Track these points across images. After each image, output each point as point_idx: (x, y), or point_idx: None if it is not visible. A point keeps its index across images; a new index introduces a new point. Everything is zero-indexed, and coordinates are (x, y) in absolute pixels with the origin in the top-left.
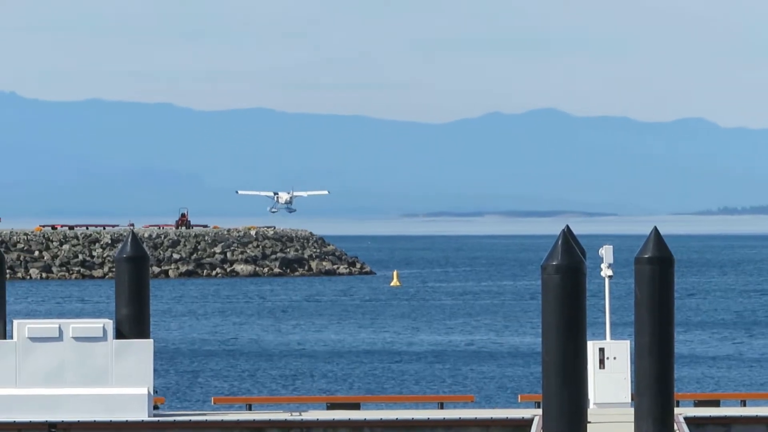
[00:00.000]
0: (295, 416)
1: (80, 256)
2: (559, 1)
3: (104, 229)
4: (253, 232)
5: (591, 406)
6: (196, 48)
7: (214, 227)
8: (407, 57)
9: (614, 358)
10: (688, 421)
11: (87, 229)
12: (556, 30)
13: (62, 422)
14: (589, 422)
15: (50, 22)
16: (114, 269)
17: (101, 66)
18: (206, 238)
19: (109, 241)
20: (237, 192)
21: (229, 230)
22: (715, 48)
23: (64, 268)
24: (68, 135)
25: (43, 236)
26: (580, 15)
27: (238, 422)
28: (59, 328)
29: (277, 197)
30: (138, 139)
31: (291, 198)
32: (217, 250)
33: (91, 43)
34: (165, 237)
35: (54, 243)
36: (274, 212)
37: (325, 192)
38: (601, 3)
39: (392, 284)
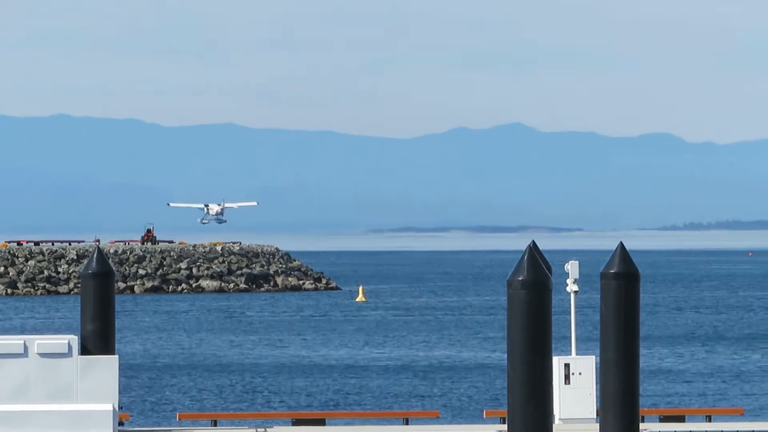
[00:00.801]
0: None
1: (46, 272)
2: (526, 16)
3: (70, 245)
4: (219, 248)
5: (556, 421)
6: (166, 64)
7: (180, 243)
8: (373, 72)
9: (579, 374)
10: None
11: (53, 245)
12: (522, 45)
13: None
14: None
15: (17, 39)
16: (79, 285)
17: (68, 82)
18: (172, 253)
19: (75, 257)
20: (168, 204)
21: (194, 246)
22: (682, 62)
23: (30, 284)
24: (34, 151)
25: (9, 252)
26: (546, 30)
27: None
28: (24, 344)
29: (208, 209)
30: (105, 155)
31: (222, 209)
32: (183, 265)
33: (58, 59)
34: (131, 253)
35: (19, 259)
36: (205, 223)
37: (255, 203)
38: (568, 18)
39: (358, 299)
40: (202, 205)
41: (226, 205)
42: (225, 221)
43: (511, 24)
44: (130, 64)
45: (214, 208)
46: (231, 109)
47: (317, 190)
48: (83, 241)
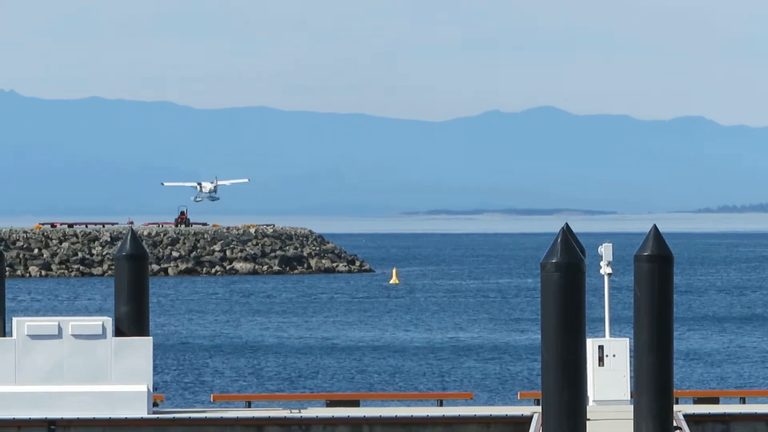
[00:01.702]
0: (295, 413)
1: (79, 254)
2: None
3: (104, 227)
4: (252, 230)
5: (590, 403)
6: (197, 47)
7: (214, 225)
8: (407, 56)
9: (614, 356)
10: (688, 418)
11: (86, 227)
12: (554, 29)
13: (62, 419)
14: (589, 420)
15: (50, 21)
16: (113, 267)
17: (102, 64)
18: (205, 236)
19: (109, 239)
20: (162, 184)
21: (228, 228)
22: (715, 46)
23: (64, 266)
24: (68, 133)
25: (43, 234)
26: (578, 13)
27: (237, 419)
28: (59, 325)
29: (201, 187)
30: (138, 138)
31: (215, 187)
32: (217, 248)
33: (91, 42)
34: (164, 235)
35: (53, 241)
36: (198, 201)
37: (246, 180)
38: (599, 2)
39: (391, 282)
40: (195, 184)
41: (219, 182)
42: (218, 198)
43: (543, 6)
44: (163, 47)
45: (207, 186)
46: (263, 93)
47: (350, 173)
48: (117, 224)
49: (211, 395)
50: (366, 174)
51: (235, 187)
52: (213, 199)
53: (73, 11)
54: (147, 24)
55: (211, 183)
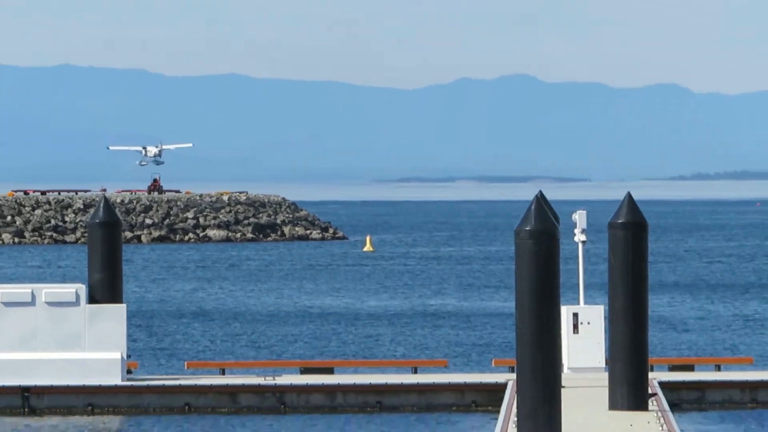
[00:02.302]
0: (269, 381)
1: (53, 221)
2: None
3: (76, 194)
4: (225, 198)
5: (565, 371)
6: (169, 15)
7: (187, 192)
8: (378, 23)
9: (588, 323)
10: (663, 385)
11: (59, 194)
12: None
13: (36, 386)
14: (564, 387)
15: None
16: (86, 234)
17: (72, 32)
18: (179, 203)
19: (82, 207)
20: (108, 147)
21: (201, 195)
22: (687, 12)
23: (37, 233)
24: (39, 100)
25: (16, 201)
26: None
27: (211, 386)
28: (32, 293)
29: (146, 151)
30: (110, 105)
31: (159, 151)
32: (190, 215)
33: (63, 9)
34: (137, 202)
35: (26, 208)
36: (143, 165)
37: (190, 144)
38: None
39: (365, 249)
40: (140, 148)
41: (164, 147)
42: (163, 162)
43: None
44: (135, 15)
45: (152, 150)
46: (234, 60)
47: (321, 141)
48: (89, 191)
49: (185, 363)
50: (338, 142)
51: (210, 155)
52: (158, 163)
53: None
54: None
55: (156, 147)
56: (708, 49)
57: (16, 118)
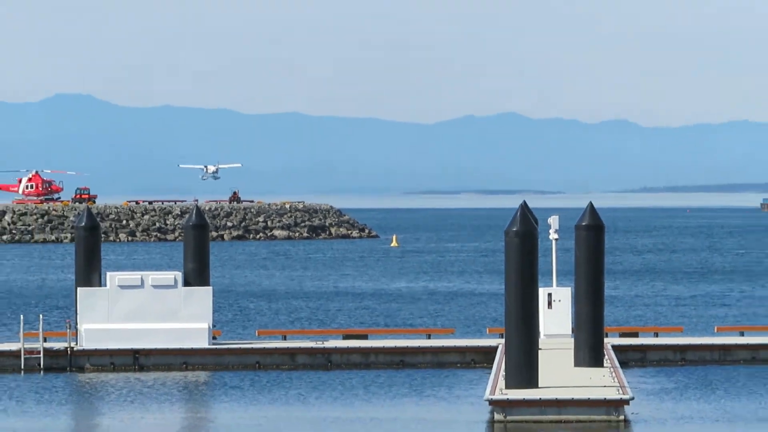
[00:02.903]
0: (319, 344)
1: (157, 224)
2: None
3: (175, 203)
4: (287, 206)
5: (542, 336)
6: (247, 64)
7: (258, 202)
8: (401, 71)
9: (559, 301)
10: (614, 348)
11: (162, 203)
12: (507, 42)
13: (143, 349)
14: (540, 349)
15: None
16: (183, 234)
17: (170, 76)
18: (252, 210)
19: (179, 213)
20: (179, 166)
21: (269, 204)
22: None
23: (145, 233)
24: (146, 133)
25: (129, 209)
26: (528, 30)
27: (275, 349)
28: (141, 278)
29: (206, 169)
30: (200, 138)
31: (216, 169)
32: (260, 219)
33: (162, 58)
34: (221, 209)
35: (137, 214)
36: (204, 180)
37: (239, 165)
38: (547, 16)
39: (392, 245)
40: (202, 166)
41: (220, 166)
42: (219, 178)
43: (492, 18)
44: (217, 64)
45: (211, 168)
46: (295, 100)
47: (361, 162)
48: (185, 201)
49: (256, 331)
50: (373, 164)
51: (277, 173)
52: (215, 178)
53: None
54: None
55: (213, 166)
56: (654, 88)
57: (132, 146)
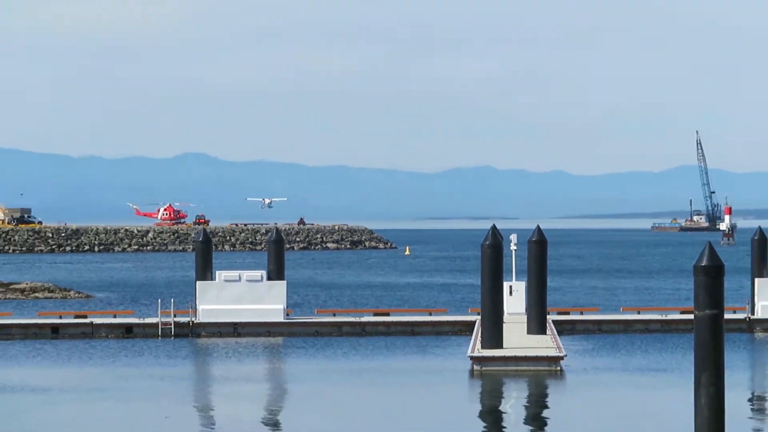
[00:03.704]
0: (356, 319)
1: (249, 239)
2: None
3: (262, 225)
4: (336, 227)
5: (505, 314)
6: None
7: (317, 225)
8: (401, 126)
9: (517, 291)
10: (554, 322)
11: (253, 225)
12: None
13: (240, 322)
14: (504, 323)
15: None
16: (267, 246)
17: (269, 131)
18: (313, 229)
19: (264, 232)
20: (246, 199)
21: (324, 226)
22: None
23: (242, 245)
24: (247, 182)
25: (231, 229)
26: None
27: (328, 322)
28: (239, 275)
29: (264, 201)
30: (270, 184)
31: (270, 202)
32: (318, 236)
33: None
34: (292, 230)
35: (236, 232)
36: (262, 209)
37: (285, 199)
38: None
39: (406, 253)
40: (261, 199)
41: (273, 199)
42: (272, 207)
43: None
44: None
45: (267, 201)
46: (341, 153)
47: (382, 203)
48: (268, 224)
49: (315, 310)
50: (390, 202)
51: (322, 201)
52: (270, 207)
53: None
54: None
55: (269, 199)
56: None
57: (227, 187)
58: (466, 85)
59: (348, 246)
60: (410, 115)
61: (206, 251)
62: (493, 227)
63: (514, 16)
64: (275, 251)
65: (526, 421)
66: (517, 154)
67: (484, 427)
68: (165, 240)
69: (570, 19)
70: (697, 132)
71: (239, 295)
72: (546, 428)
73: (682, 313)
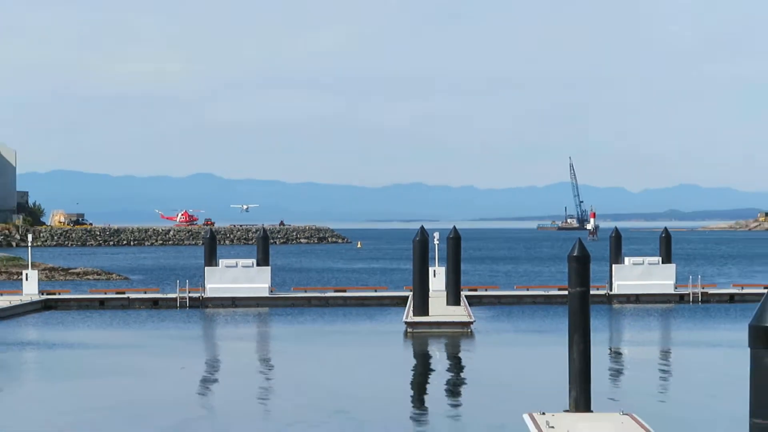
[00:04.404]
0: (322, 294)
1: (244, 236)
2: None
3: (253, 226)
4: (307, 227)
5: (431, 291)
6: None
7: (293, 225)
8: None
9: (439, 274)
10: (466, 296)
11: (245, 226)
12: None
13: (237, 297)
14: (430, 297)
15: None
16: (257, 241)
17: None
18: (290, 229)
19: (255, 230)
20: (230, 206)
21: (299, 226)
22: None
23: (239, 241)
24: (225, 191)
25: (230, 229)
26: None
27: (301, 297)
28: (236, 263)
29: (243, 206)
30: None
31: (248, 207)
32: (294, 233)
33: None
34: (275, 229)
35: (234, 231)
36: (241, 213)
37: (257, 205)
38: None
39: (358, 246)
40: (240, 205)
41: (250, 205)
42: (249, 212)
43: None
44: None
45: (245, 206)
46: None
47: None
48: (257, 225)
49: (292, 287)
50: (354, 209)
51: (297, 208)
52: (247, 211)
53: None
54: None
55: (246, 205)
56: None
57: (224, 198)
58: (403, 122)
59: (316, 241)
60: (362, 146)
61: (212, 245)
62: (422, 227)
63: (439, 69)
64: (262, 245)
65: (445, 368)
66: (441, 172)
67: (413, 371)
68: (182, 237)
69: (471, 70)
70: (570, 157)
71: (236, 277)
72: (460, 373)
73: (560, 290)
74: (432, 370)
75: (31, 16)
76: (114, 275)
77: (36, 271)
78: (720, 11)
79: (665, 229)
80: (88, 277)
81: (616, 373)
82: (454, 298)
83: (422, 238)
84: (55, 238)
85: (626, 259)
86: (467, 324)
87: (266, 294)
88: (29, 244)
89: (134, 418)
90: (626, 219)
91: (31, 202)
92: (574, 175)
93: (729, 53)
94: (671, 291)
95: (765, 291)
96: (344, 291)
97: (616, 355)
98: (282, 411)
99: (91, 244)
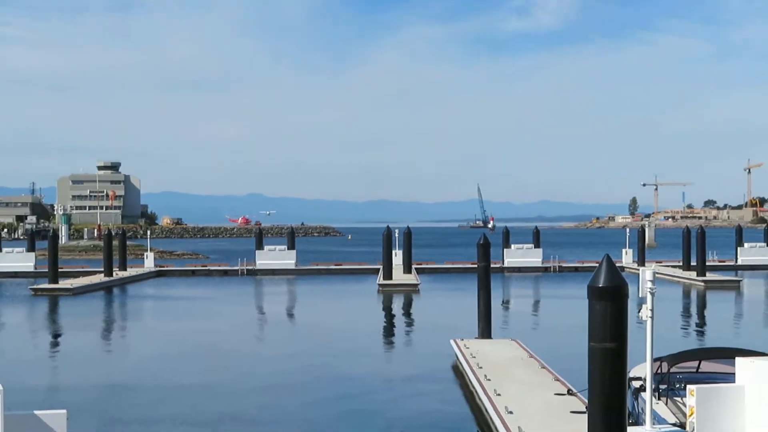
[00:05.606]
0: (327, 267)
1: (279, 231)
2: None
3: (287, 225)
4: (318, 226)
5: (394, 264)
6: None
7: (310, 224)
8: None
9: (398, 255)
10: (416, 269)
11: (280, 225)
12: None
13: (275, 269)
14: (393, 268)
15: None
16: (287, 234)
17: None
18: (308, 227)
19: (287, 228)
20: (258, 212)
21: (313, 225)
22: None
23: (276, 234)
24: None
25: (271, 227)
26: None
27: (313, 269)
28: (275, 248)
29: (268, 212)
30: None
31: (270, 213)
32: (310, 230)
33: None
34: (297, 227)
35: (273, 229)
36: (268, 215)
37: (274, 211)
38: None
39: (348, 238)
40: (266, 211)
41: (270, 211)
42: (270, 215)
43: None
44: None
45: (269, 212)
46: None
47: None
48: (288, 225)
49: (310, 263)
50: (348, 215)
51: (313, 215)
52: (269, 215)
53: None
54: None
55: (269, 212)
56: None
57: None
58: (382, 160)
59: (323, 235)
60: (349, 178)
61: (260, 237)
62: (388, 227)
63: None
64: (290, 237)
65: (402, 313)
66: (404, 192)
67: (383, 313)
68: (241, 232)
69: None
70: (478, 184)
71: (274, 256)
72: (411, 315)
73: (472, 264)
74: (394, 315)
75: None
76: (200, 255)
77: (152, 253)
78: None
79: (536, 227)
80: (185, 256)
81: (507, 314)
82: (407, 269)
83: (388, 233)
84: (164, 233)
85: (512, 245)
86: (416, 285)
87: (293, 267)
88: (148, 236)
89: (214, 337)
90: (512, 221)
91: (149, 211)
92: (480, 193)
93: None
94: (540, 265)
95: (596, 265)
96: (340, 265)
97: (506, 303)
98: (292, 334)
99: (188, 237)
